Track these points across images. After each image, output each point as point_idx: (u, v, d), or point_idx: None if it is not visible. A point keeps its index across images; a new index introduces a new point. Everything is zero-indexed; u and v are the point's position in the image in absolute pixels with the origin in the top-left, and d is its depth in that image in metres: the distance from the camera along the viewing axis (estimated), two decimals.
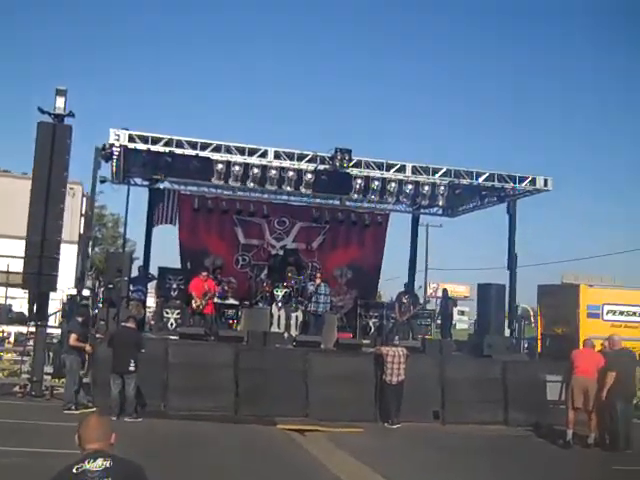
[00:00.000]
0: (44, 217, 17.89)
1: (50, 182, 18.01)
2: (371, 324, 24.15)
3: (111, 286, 19.60)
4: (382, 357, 17.44)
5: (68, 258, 21.35)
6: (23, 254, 18.30)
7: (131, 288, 21.90)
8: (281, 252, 25.17)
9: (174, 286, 23.08)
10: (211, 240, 25.64)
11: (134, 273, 22.85)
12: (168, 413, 16.36)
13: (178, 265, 24.72)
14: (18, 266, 19.58)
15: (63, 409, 15.99)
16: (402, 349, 17.60)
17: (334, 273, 26.16)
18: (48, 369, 18.36)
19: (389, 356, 17.32)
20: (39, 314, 18.64)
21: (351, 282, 26.35)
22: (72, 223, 28.88)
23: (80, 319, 16.91)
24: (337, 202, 25.71)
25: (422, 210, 26.40)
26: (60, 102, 18.40)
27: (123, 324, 16.58)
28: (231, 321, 22.58)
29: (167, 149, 19.79)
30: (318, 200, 25.66)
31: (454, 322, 27.27)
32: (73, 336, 16.23)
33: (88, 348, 16.45)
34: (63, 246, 19.04)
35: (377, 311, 24.39)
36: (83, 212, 35.23)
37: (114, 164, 21.47)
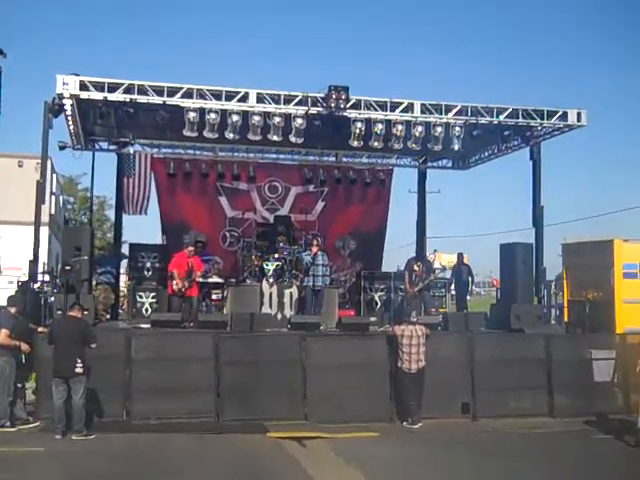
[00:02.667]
0: None
1: None
2: (377, 298, 20.48)
3: (68, 267, 15.80)
4: (396, 339, 13.72)
5: (24, 241, 17.33)
6: None
7: (98, 270, 18.29)
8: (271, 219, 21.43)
9: (148, 265, 19.52)
10: (192, 213, 21.95)
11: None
12: (131, 424, 12.77)
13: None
14: None
15: None
16: (421, 327, 13.89)
17: (336, 244, 22.65)
18: None
19: (405, 337, 13.62)
20: None
21: (355, 253, 22.88)
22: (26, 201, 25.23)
23: (13, 310, 12.80)
24: (332, 158, 21.83)
25: (429, 164, 22.56)
26: None
27: (68, 314, 12.65)
28: (216, 303, 18.89)
29: (128, 97, 15.91)
30: (312, 158, 21.80)
31: (470, 291, 23.34)
32: (3, 332, 12.29)
33: (25, 347, 12.50)
34: (12, 228, 15.41)
35: (383, 283, 20.61)
36: (54, 190, 31.35)
37: (70, 124, 17.59)
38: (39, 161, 30.25)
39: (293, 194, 22.42)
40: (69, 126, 17.84)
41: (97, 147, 20.58)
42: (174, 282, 16.35)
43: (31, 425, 12.30)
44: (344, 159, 22.03)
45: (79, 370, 11.70)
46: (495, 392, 14.34)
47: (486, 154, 21.23)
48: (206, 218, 21.93)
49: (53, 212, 31.16)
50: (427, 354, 13.61)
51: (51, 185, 29.44)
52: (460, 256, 21.49)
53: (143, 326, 15.74)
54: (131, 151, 20.78)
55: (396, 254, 37.04)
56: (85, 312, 13.20)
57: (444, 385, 13.94)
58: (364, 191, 22.65)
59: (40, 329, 13.08)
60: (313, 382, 13.75)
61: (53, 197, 31.27)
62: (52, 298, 16.12)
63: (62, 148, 19.48)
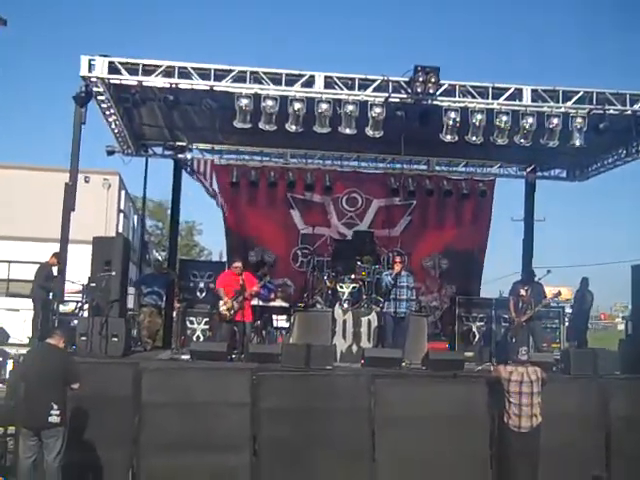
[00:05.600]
0: None
1: None
2: (475, 329, 16.44)
3: (93, 285, 12.67)
4: (502, 384, 9.78)
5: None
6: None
7: (143, 290, 15.15)
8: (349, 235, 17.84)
9: (201, 285, 16.26)
10: (258, 227, 18.59)
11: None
12: None
13: None
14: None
15: None
16: (535, 369, 9.96)
17: (424, 264, 18.91)
18: None
19: (513, 382, 9.74)
20: None
21: (448, 274, 18.94)
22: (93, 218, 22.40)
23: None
24: (424, 167, 18.05)
25: (539, 173, 18.44)
26: None
27: (46, 342, 9.10)
28: (283, 332, 15.44)
29: (168, 82, 12.72)
30: (398, 166, 18.08)
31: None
32: None
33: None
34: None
35: (483, 311, 16.57)
36: (122, 207, 28.69)
37: (111, 120, 14.58)
38: (106, 177, 28.16)
39: (375, 207, 18.82)
40: (109, 123, 14.79)
41: (150, 152, 17.52)
42: (220, 303, 13.00)
43: None
44: (437, 167, 18.19)
45: (54, 419, 8.28)
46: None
47: (610, 160, 16.97)
48: (275, 234, 18.58)
49: (121, 231, 28.35)
50: (543, 406, 9.61)
51: (119, 202, 27.10)
52: (585, 281, 17.30)
53: (184, 357, 12.40)
54: (189, 157, 17.61)
55: (491, 287, 32.63)
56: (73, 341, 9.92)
57: (567, 451, 10.07)
58: (461, 204, 18.76)
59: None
60: (385, 440, 10.14)
61: (121, 215, 28.68)
62: (75, 321, 12.96)
63: (110, 153, 16.57)
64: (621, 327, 51.42)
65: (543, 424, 9.59)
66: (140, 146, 17.10)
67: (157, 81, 12.77)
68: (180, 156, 17.43)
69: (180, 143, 17.24)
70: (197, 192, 21.05)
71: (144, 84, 12.83)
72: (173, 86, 12.84)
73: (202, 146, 17.66)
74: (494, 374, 10.22)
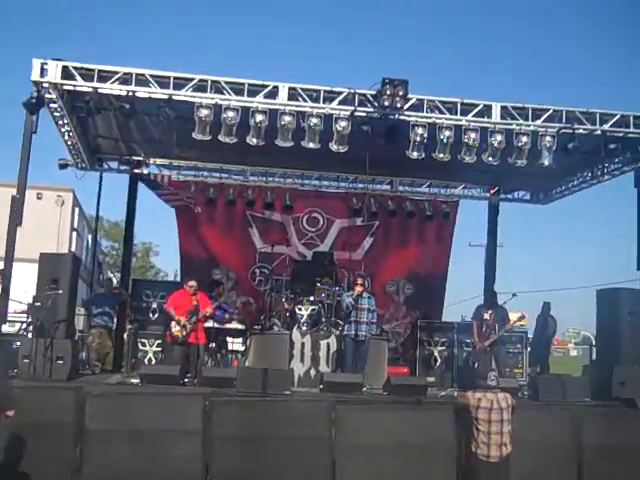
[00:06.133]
0: None
1: None
2: (437, 354, 16.00)
3: (38, 304, 11.83)
4: (469, 411, 9.19)
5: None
6: None
7: (93, 310, 14.36)
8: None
9: (153, 306, 15.39)
10: (219, 245, 17.85)
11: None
12: None
13: None
14: None
15: None
16: (505, 395, 9.32)
17: (388, 288, 18.40)
18: None
19: (482, 409, 9.08)
20: None
21: (412, 300, 18.42)
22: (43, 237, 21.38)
23: None
24: (387, 187, 17.58)
25: (502, 195, 18.08)
26: None
27: None
28: (238, 356, 14.73)
29: (124, 89, 12.04)
30: (361, 186, 17.56)
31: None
32: None
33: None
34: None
35: (445, 335, 16.15)
36: (75, 226, 27.61)
37: (63, 131, 13.81)
38: (60, 193, 27.15)
39: (337, 228, 18.25)
40: (62, 134, 14.02)
41: (106, 166, 16.75)
42: (172, 324, 12.29)
43: None
44: (400, 187, 17.75)
45: None
46: None
47: (575, 182, 16.68)
48: (234, 252, 17.91)
49: (74, 250, 27.30)
50: (512, 436, 9.04)
51: (72, 220, 26.07)
52: (546, 306, 16.91)
53: (134, 381, 11.61)
54: (145, 172, 16.88)
55: (453, 310, 32.21)
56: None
57: None
58: (423, 226, 18.28)
59: None
60: (347, 471, 9.43)
61: (74, 234, 27.62)
62: (18, 343, 12.08)
63: (63, 166, 15.84)
64: (574, 353, 51.50)
65: (512, 453, 9.00)
66: (95, 160, 16.36)
67: (113, 88, 12.09)
68: (136, 171, 16.71)
69: (137, 158, 16.58)
70: (154, 212, 20.26)
71: (99, 91, 12.09)
72: (130, 94, 12.11)
73: (159, 161, 16.99)
74: (461, 400, 9.59)
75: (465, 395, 9.49)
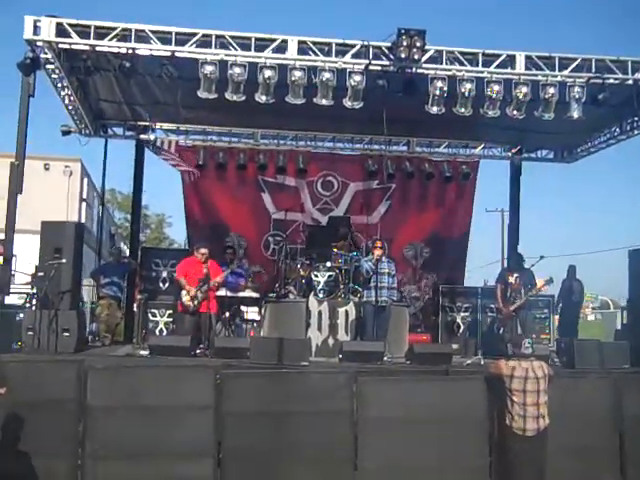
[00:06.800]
0: None
1: None
2: (459, 320, 15.31)
3: (41, 274, 11.24)
4: (503, 381, 8.45)
5: None
6: None
7: (101, 280, 13.71)
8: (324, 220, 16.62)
9: (164, 275, 14.81)
10: (230, 211, 17.09)
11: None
12: None
13: None
14: None
15: None
16: (542, 364, 8.58)
17: (405, 253, 17.58)
18: None
19: (516, 379, 8.35)
20: None
21: (430, 264, 17.64)
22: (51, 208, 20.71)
23: None
24: (404, 147, 16.76)
25: (525, 155, 17.19)
26: None
27: None
28: (254, 325, 14.05)
29: (124, 46, 11.25)
30: (377, 147, 16.73)
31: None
32: None
33: None
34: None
35: (468, 301, 15.42)
36: (85, 196, 26.92)
37: (64, 94, 13.09)
38: (67, 163, 26.45)
39: (352, 191, 17.41)
40: (62, 98, 13.28)
41: (111, 132, 16.03)
42: (182, 293, 11.61)
43: None
44: (417, 149, 16.91)
45: None
46: None
47: (602, 139, 15.78)
48: (246, 219, 17.12)
49: (84, 221, 26.60)
50: (550, 406, 8.31)
51: (81, 191, 25.44)
52: (572, 269, 16.13)
53: (143, 353, 11.01)
54: (152, 137, 16.13)
55: (472, 275, 31.30)
56: None
57: (577, 455, 8.70)
58: (443, 188, 17.44)
59: None
60: (369, 446, 8.72)
61: (84, 205, 26.95)
62: (21, 315, 11.48)
63: (66, 133, 15.13)
64: (591, 318, 50.79)
65: (550, 426, 8.27)
66: (99, 126, 15.68)
67: (112, 45, 11.30)
68: (143, 137, 15.97)
69: (142, 123, 15.82)
70: (167, 184, 19.49)
71: (97, 49, 11.33)
72: (130, 52, 11.35)
73: (166, 126, 16.22)
74: (493, 370, 8.84)
75: (497, 364, 8.75)
